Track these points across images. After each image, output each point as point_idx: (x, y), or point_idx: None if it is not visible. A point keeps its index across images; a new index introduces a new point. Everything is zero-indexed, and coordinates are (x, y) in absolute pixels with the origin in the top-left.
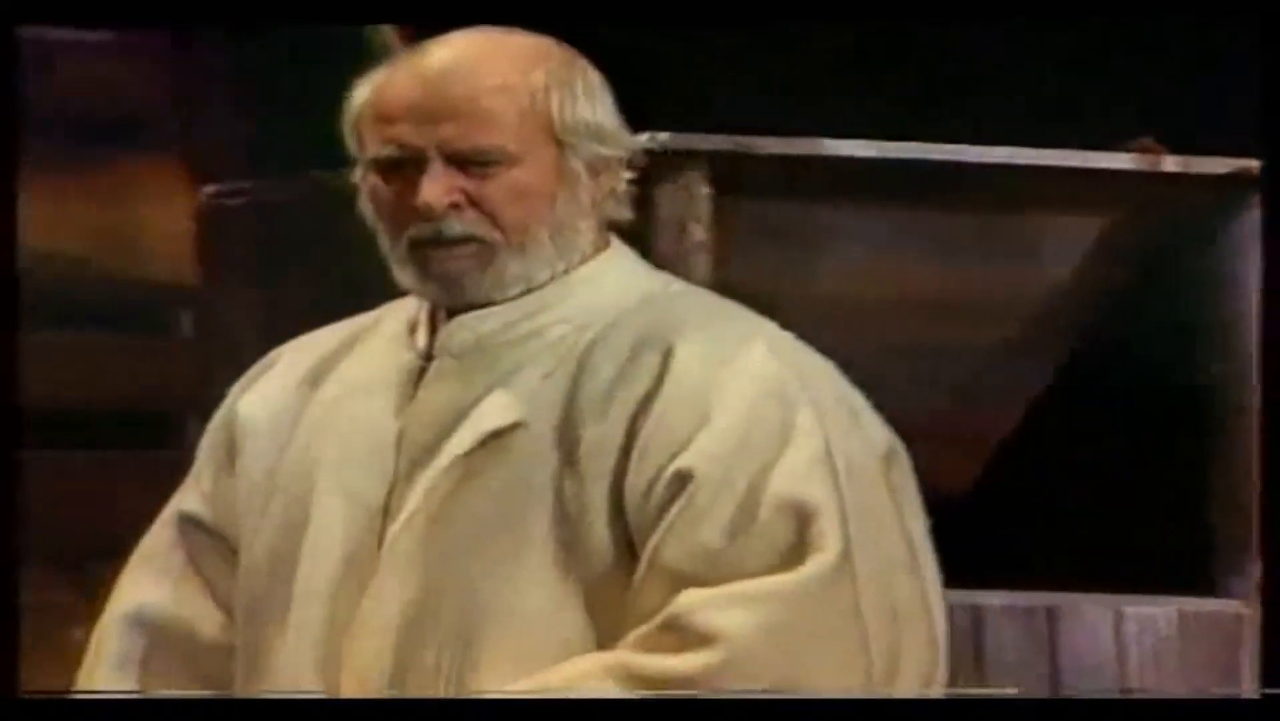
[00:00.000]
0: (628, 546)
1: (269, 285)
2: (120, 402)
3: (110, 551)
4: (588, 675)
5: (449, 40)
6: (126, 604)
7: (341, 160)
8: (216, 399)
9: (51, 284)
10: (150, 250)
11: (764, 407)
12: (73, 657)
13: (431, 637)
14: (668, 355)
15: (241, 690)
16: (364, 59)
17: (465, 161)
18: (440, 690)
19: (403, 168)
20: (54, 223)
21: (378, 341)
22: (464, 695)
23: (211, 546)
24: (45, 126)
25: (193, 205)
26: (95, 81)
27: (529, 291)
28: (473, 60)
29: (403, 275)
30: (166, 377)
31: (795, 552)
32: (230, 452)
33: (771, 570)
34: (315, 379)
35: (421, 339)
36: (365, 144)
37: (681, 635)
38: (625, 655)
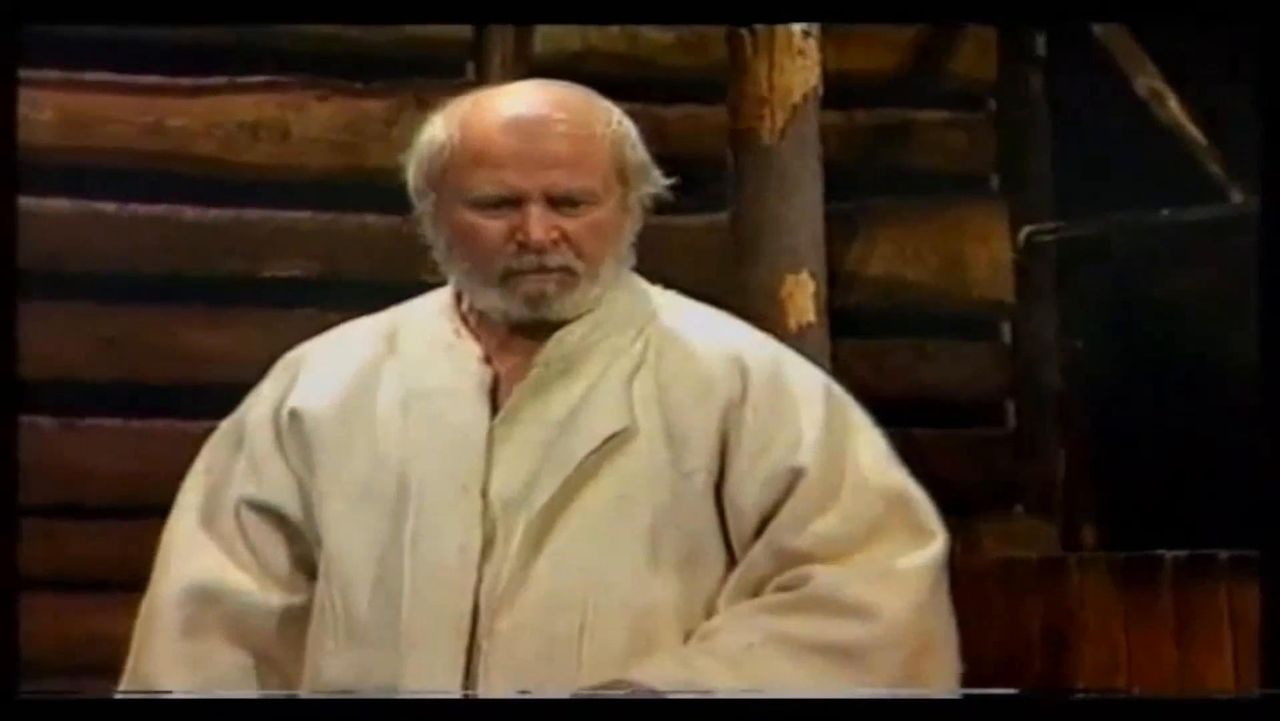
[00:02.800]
0: (721, 532)
1: (1069, 304)
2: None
3: None
4: (754, 645)
5: (524, 90)
6: (188, 577)
7: (1148, 201)
8: (1032, 389)
9: (894, 301)
10: (977, 276)
11: (832, 406)
12: None
13: (561, 619)
14: (742, 366)
15: (330, 651)
16: None
17: (560, 202)
18: (573, 666)
19: (500, 205)
20: (904, 257)
21: (421, 349)
22: (595, 681)
23: (271, 527)
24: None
25: (1013, 241)
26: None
27: (590, 309)
28: (564, 112)
29: (485, 296)
30: (993, 373)
31: (909, 535)
32: (288, 445)
33: (891, 553)
34: (367, 382)
35: (479, 350)
36: (457, 183)
37: (833, 608)
38: (785, 622)
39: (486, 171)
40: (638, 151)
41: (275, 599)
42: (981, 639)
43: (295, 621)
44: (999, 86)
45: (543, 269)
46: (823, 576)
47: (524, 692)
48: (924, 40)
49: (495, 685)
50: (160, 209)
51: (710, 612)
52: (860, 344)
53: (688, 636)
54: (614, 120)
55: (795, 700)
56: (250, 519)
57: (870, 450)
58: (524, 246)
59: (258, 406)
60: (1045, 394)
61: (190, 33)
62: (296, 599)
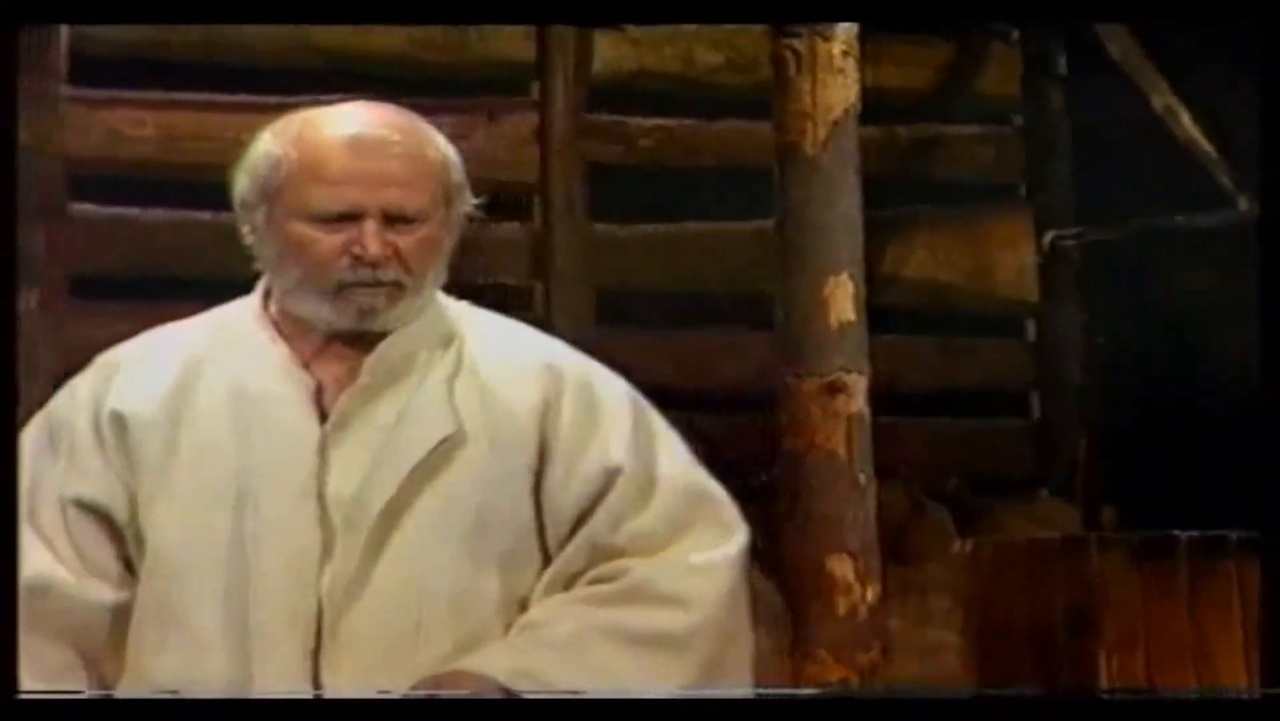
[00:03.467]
0: (538, 529)
1: (1090, 303)
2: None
3: None
4: (582, 635)
5: (357, 111)
6: (25, 574)
7: (1178, 205)
8: (1055, 382)
9: (927, 301)
10: (1004, 278)
11: (638, 411)
12: None
13: (390, 614)
14: (553, 370)
15: (158, 650)
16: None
17: (394, 219)
18: (410, 662)
19: (337, 220)
20: (936, 260)
21: (238, 355)
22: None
23: (96, 526)
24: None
25: (1038, 245)
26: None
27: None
28: (399, 134)
29: (314, 306)
30: (1018, 367)
31: (717, 531)
32: (109, 446)
33: (699, 547)
34: (187, 384)
35: (296, 357)
36: (295, 197)
37: (652, 599)
38: (608, 612)
39: (326, 188)
40: (459, 173)
41: (100, 595)
42: (1010, 614)
43: (120, 619)
44: (1024, 103)
45: (377, 283)
46: (639, 569)
47: (380, 692)
48: (954, 60)
49: (341, 681)
50: None
51: (525, 607)
52: (896, 340)
53: (507, 630)
54: (440, 144)
55: (797, 697)
56: (74, 516)
57: (674, 452)
58: (359, 260)
59: (75, 406)
60: (1067, 386)
61: (277, 56)
62: (121, 595)
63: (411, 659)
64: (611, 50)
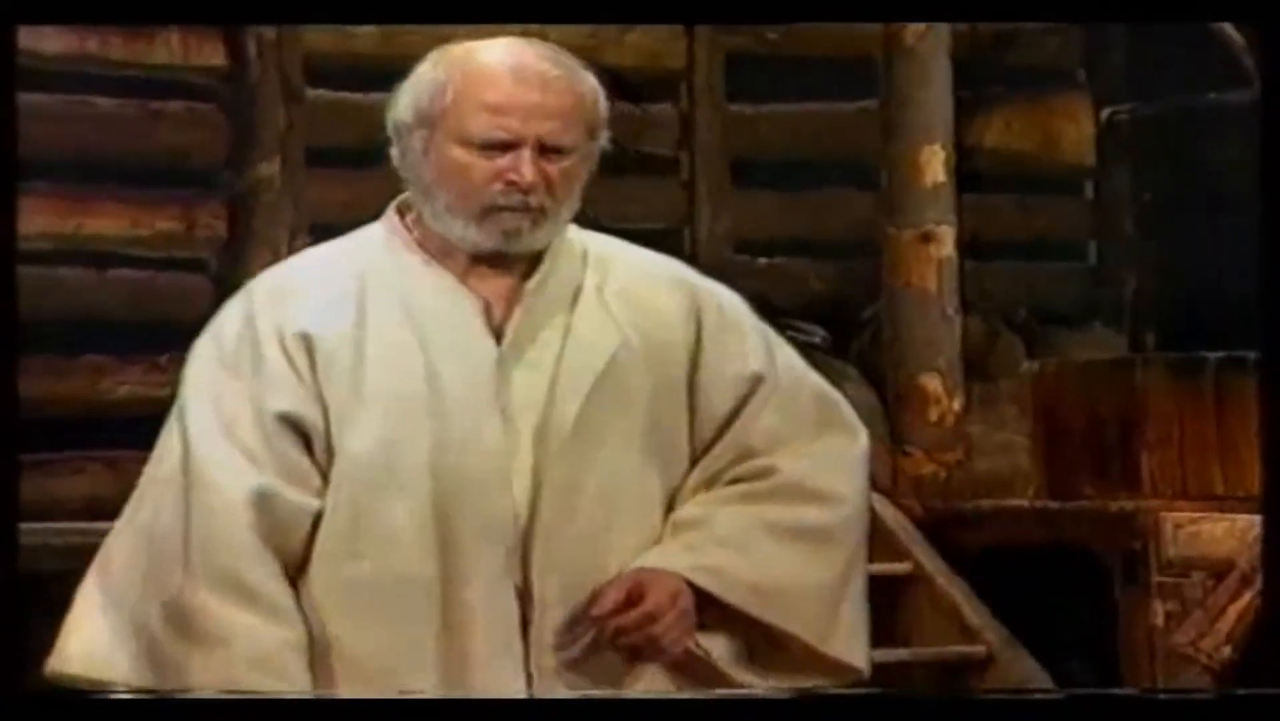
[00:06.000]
0: (689, 431)
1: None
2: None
3: None
4: (748, 531)
5: (519, 45)
6: (247, 483)
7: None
8: (1110, 232)
9: (1005, 166)
10: (1067, 146)
11: (759, 321)
12: None
13: (593, 519)
14: (686, 282)
15: (343, 552)
16: None
17: (547, 149)
18: (604, 559)
19: (495, 147)
20: (1011, 132)
21: (399, 277)
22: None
23: (294, 436)
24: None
25: (1095, 118)
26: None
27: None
28: (559, 69)
29: (462, 228)
30: (1079, 220)
31: (844, 431)
32: (299, 364)
33: (831, 447)
34: (360, 303)
35: (452, 277)
36: (457, 123)
37: (803, 495)
38: (766, 509)
39: (488, 116)
40: (605, 109)
41: (307, 503)
42: (1069, 421)
43: (316, 527)
44: None
45: (525, 208)
46: (787, 468)
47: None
48: None
49: (545, 581)
50: None
51: (673, 506)
52: (978, 198)
53: (664, 525)
54: (591, 80)
55: (827, 695)
56: (275, 429)
57: (797, 360)
58: (513, 186)
59: (254, 330)
60: (1119, 237)
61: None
62: (320, 503)
63: (603, 558)
64: None
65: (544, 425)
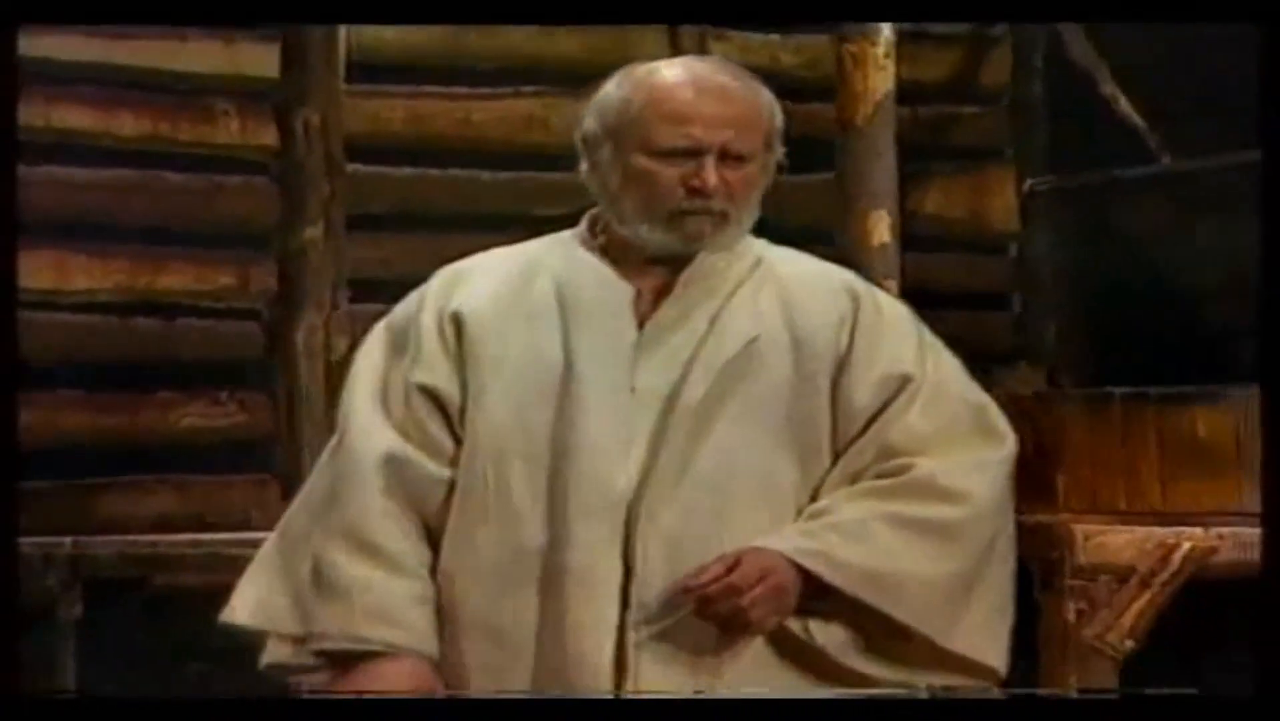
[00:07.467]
0: (832, 427)
1: (1057, 231)
2: None
3: None
4: (866, 521)
5: (698, 63)
6: (378, 449)
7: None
8: (1031, 286)
9: (941, 229)
10: (995, 213)
11: (920, 329)
12: None
13: (703, 499)
14: (852, 291)
15: (481, 522)
16: None
17: (728, 157)
18: (715, 540)
19: (679, 155)
20: (947, 201)
21: (566, 270)
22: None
23: (435, 409)
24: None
25: (1018, 190)
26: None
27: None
28: (737, 82)
29: (649, 232)
30: (1005, 276)
31: (989, 436)
32: (449, 341)
33: (973, 450)
34: (520, 291)
35: (617, 272)
36: (643, 133)
37: (932, 493)
38: (891, 503)
39: (672, 126)
40: (781, 121)
41: (439, 469)
42: None
43: (450, 491)
44: (1011, 88)
45: (708, 212)
46: (922, 467)
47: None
48: (961, 59)
49: (651, 554)
50: (465, 174)
51: (816, 497)
52: (918, 257)
53: (799, 516)
54: (768, 94)
55: (848, 699)
56: (417, 400)
57: (951, 365)
58: (697, 191)
59: (422, 309)
60: (1040, 290)
61: (496, 54)
62: (453, 471)
63: (715, 539)
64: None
65: (670, 404)
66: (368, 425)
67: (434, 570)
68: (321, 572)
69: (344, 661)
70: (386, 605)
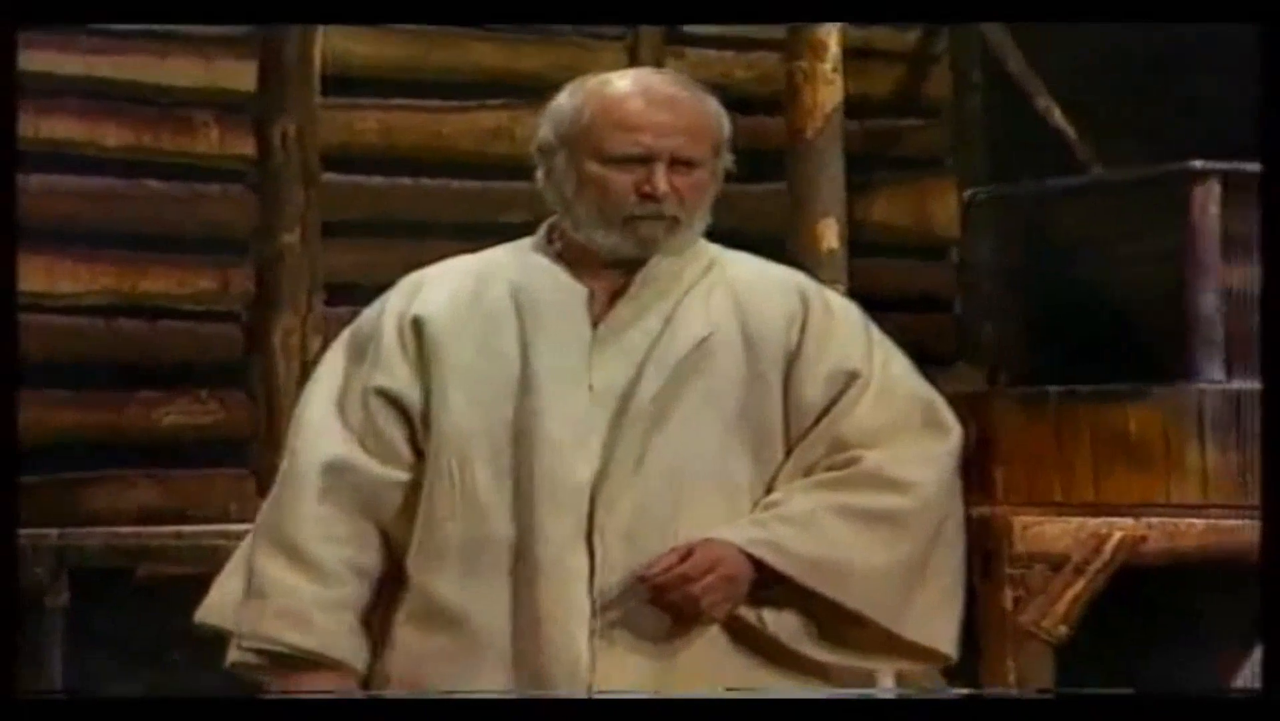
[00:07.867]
0: (784, 423)
1: (995, 237)
2: None
3: None
4: (816, 512)
5: (647, 73)
6: (324, 454)
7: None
8: (971, 288)
9: (885, 235)
10: (937, 220)
11: (868, 325)
12: None
13: (658, 491)
14: (802, 291)
15: (447, 519)
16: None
17: (678, 163)
18: (671, 532)
19: (630, 162)
20: (892, 208)
21: (522, 274)
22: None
23: (393, 413)
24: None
25: (959, 198)
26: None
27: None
28: (686, 91)
29: (603, 237)
30: (946, 279)
31: (935, 428)
32: (409, 346)
33: (920, 442)
34: (478, 294)
35: (572, 275)
36: (595, 141)
37: (879, 483)
38: (840, 494)
39: (623, 133)
40: (729, 130)
41: (393, 474)
42: None
43: (409, 495)
44: (953, 102)
45: (660, 216)
46: (869, 459)
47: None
48: (904, 74)
49: (610, 544)
50: (435, 183)
51: (771, 490)
52: (864, 261)
53: (753, 509)
54: (715, 103)
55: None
56: (375, 404)
57: (899, 362)
58: (648, 197)
59: (383, 316)
60: (979, 293)
61: (464, 69)
62: (411, 475)
63: (671, 530)
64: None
65: (625, 401)
66: (318, 431)
67: (387, 575)
68: (252, 574)
69: (278, 663)
70: (296, 609)
